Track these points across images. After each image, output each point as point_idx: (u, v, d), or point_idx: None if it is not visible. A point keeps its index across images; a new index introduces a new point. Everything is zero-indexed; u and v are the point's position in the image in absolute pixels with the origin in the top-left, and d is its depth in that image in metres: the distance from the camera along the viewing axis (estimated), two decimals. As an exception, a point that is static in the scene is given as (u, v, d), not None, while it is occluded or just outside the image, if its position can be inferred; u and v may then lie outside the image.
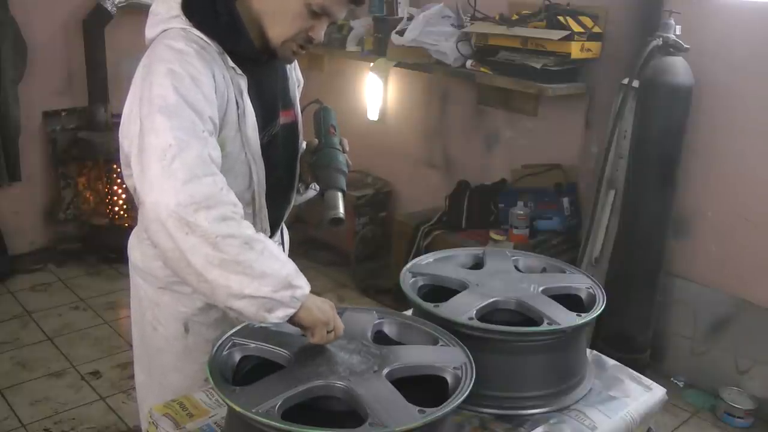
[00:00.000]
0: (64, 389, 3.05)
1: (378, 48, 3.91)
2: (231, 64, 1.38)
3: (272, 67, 1.54)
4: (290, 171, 1.65)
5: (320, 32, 1.40)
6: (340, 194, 1.47)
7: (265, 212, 1.56)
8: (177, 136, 1.21)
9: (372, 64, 3.88)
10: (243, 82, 1.41)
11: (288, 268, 1.22)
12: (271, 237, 1.67)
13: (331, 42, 4.18)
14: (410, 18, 3.61)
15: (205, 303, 1.58)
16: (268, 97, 1.52)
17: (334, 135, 1.57)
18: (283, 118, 1.57)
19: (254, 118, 1.45)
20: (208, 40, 1.35)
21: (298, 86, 1.69)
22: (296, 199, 1.71)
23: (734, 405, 2.91)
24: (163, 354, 1.65)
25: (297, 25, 1.37)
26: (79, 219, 4.30)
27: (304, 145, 1.68)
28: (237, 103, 1.40)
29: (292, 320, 1.22)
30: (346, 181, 1.51)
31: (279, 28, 1.38)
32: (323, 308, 1.24)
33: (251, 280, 1.17)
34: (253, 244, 1.20)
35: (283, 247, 1.79)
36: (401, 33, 3.60)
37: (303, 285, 1.23)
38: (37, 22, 3.95)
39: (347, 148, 1.60)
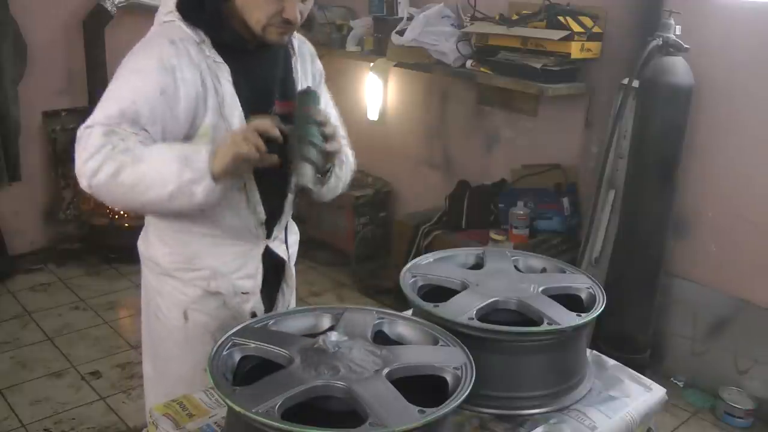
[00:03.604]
0: (64, 389, 3.05)
1: (378, 48, 3.91)
2: (208, 53, 1.49)
3: (267, 57, 1.60)
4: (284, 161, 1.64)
5: (292, 11, 1.47)
6: (308, 165, 1.42)
7: (257, 199, 1.60)
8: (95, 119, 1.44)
9: (372, 64, 3.88)
10: (223, 70, 1.50)
11: (175, 151, 1.41)
12: (271, 229, 1.69)
13: (331, 42, 4.19)
14: (410, 18, 3.61)
15: (204, 291, 1.65)
16: (259, 85, 1.58)
17: (309, 112, 1.49)
18: (279, 108, 1.59)
19: (238, 105, 1.52)
20: (194, 33, 1.49)
21: (322, 78, 1.76)
22: (319, 192, 1.66)
23: (734, 405, 2.92)
24: (165, 343, 1.71)
25: (268, 9, 1.46)
26: (79, 219, 4.30)
27: None
28: (216, 90, 1.50)
29: (222, 170, 1.38)
30: (320, 155, 1.44)
31: (255, 15, 1.48)
32: (231, 140, 1.39)
33: (158, 187, 1.40)
34: (135, 161, 1.39)
35: (287, 246, 1.78)
36: (401, 33, 3.60)
37: (194, 153, 1.40)
38: (37, 22, 3.95)
39: (333, 131, 1.51)
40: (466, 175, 3.83)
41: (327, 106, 1.73)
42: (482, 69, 3.38)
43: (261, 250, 1.69)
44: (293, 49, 1.68)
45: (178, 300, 1.66)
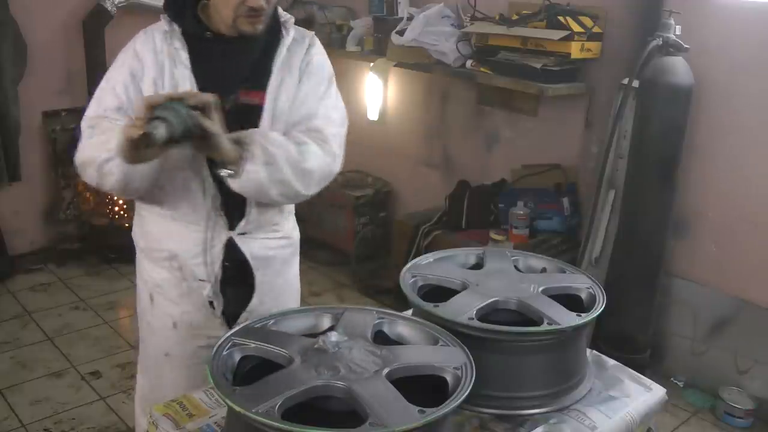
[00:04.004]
0: (64, 389, 3.05)
1: (378, 48, 3.91)
2: (171, 41, 1.60)
3: (237, 47, 1.63)
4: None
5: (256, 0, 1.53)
6: (159, 122, 1.36)
7: (210, 183, 1.61)
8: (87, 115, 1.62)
9: (372, 64, 3.88)
10: (181, 56, 1.60)
11: (108, 134, 1.51)
12: (233, 219, 1.67)
13: (331, 42, 4.19)
14: (410, 18, 3.61)
15: (168, 273, 1.71)
16: (219, 74, 1.61)
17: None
18: (244, 98, 1.62)
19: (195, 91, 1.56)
20: (167, 23, 1.61)
21: (309, 67, 1.68)
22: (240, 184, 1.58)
23: (734, 405, 2.92)
24: (140, 324, 1.84)
25: (233, 2, 1.53)
26: (79, 219, 4.30)
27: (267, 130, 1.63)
28: (172, 74, 1.59)
29: (122, 152, 1.43)
30: (178, 118, 1.38)
31: (222, 9, 1.57)
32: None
33: (91, 167, 1.54)
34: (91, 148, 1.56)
35: (266, 248, 1.75)
36: (401, 33, 3.60)
37: (116, 135, 1.45)
38: (37, 22, 3.95)
39: (200, 102, 1.45)
40: (466, 175, 3.83)
41: (308, 97, 1.66)
42: (482, 69, 3.38)
43: (223, 240, 1.68)
44: (284, 39, 1.67)
45: (145, 282, 1.76)
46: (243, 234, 1.70)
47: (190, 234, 1.67)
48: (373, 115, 4.34)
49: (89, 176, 1.57)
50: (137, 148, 1.39)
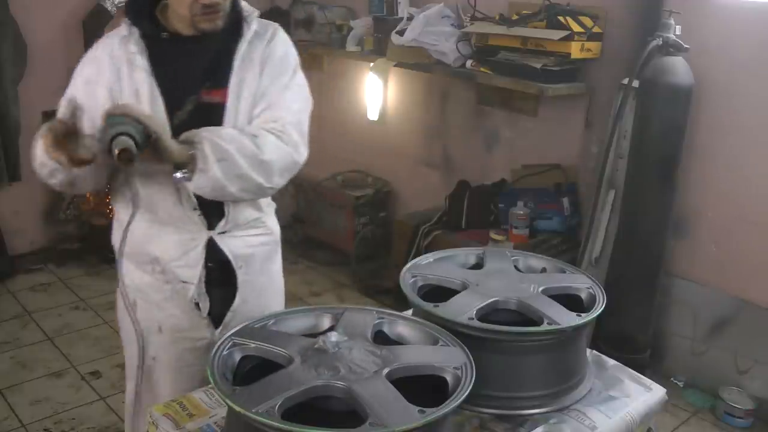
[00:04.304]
0: (64, 389, 3.05)
1: (378, 48, 3.91)
2: (128, 46, 1.58)
3: (195, 46, 1.61)
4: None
5: None
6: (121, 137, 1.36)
7: (182, 185, 1.58)
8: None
9: (372, 64, 3.88)
10: (138, 62, 1.57)
11: None
12: (211, 219, 1.65)
13: (331, 42, 4.19)
14: (410, 18, 3.60)
15: (151, 278, 1.69)
16: (179, 75, 1.60)
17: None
18: (205, 98, 1.60)
19: (158, 96, 1.56)
20: (127, 28, 1.60)
21: (270, 59, 1.64)
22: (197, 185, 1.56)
23: (734, 405, 2.91)
24: (122, 330, 1.81)
25: (186, 1, 1.52)
26: (79, 219, 4.30)
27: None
28: (133, 81, 1.57)
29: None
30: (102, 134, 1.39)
31: (178, 9, 1.56)
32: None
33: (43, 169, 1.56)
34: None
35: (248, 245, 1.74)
36: (401, 33, 3.60)
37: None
38: (37, 22, 3.95)
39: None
40: (466, 175, 3.83)
41: (268, 89, 1.63)
42: (482, 69, 3.38)
43: (203, 241, 1.66)
44: (245, 32, 1.63)
45: (128, 286, 1.72)
46: (223, 233, 1.68)
47: (169, 237, 1.65)
48: (373, 115, 4.34)
49: (41, 174, 1.59)
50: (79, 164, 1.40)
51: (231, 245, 1.69)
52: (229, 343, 1.21)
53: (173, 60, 1.61)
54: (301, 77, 1.70)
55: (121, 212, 1.71)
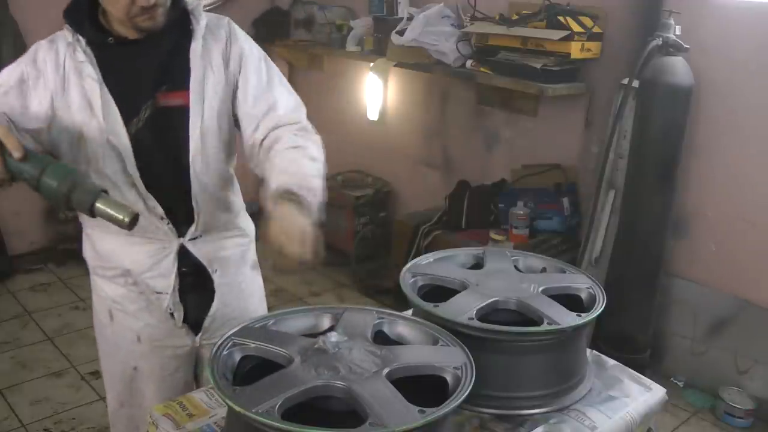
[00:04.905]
0: (64, 389, 3.05)
1: (378, 48, 3.91)
2: (74, 54, 1.51)
3: (144, 49, 1.53)
4: (175, 156, 1.57)
5: None
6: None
7: (146, 193, 1.56)
8: None
9: (372, 64, 3.88)
10: (86, 69, 1.49)
11: None
12: (180, 226, 1.62)
13: (331, 42, 4.19)
14: (410, 18, 3.60)
15: (125, 290, 1.67)
16: (131, 80, 1.53)
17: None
18: (164, 101, 1.53)
19: (111, 103, 1.49)
20: (71, 33, 1.53)
21: (244, 59, 1.60)
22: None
23: (734, 405, 2.92)
24: (98, 338, 1.82)
25: (120, 3, 1.44)
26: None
27: (198, 132, 1.56)
28: (82, 88, 1.49)
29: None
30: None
31: (115, 12, 1.47)
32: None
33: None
34: None
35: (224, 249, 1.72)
36: (401, 33, 3.60)
37: None
38: (37, 22, 3.94)
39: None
40: (466, 175, 3.83)
41: (257, 89, 1.60)
42: (482, 69, 3.38)
43: (174, 249, 1.63)
44: (195, 28, 1.56)
45: (103, 298, 1.71)
46: (194, 239, 1.64)
47: (139, 248, 1.62)
48: (373, 115, 4.34)
49: None
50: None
51: (203, 250, 1.66)
52: (229, 343, 1.21)
53: (123, 65, 1.53)
54: (273, 65, 1.67)
55: (87, 225, 1.68)
